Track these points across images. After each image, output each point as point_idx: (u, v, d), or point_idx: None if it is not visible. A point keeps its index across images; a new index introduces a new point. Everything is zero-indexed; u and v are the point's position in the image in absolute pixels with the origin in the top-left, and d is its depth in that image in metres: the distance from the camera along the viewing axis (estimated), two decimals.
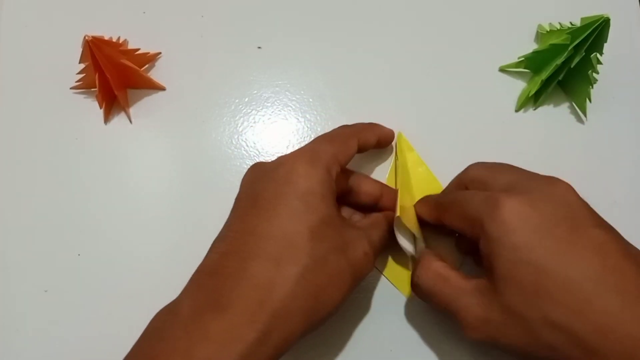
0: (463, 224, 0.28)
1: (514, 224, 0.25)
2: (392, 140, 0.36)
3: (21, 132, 0.38)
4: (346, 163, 0.30)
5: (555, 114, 0.38)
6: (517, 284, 0.25)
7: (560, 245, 0.24)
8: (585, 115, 0.38)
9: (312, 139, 0.37)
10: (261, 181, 0.28)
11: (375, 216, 0.32)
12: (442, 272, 0.28)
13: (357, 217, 0.34)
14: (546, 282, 0.24)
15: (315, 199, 0.26)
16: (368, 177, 0.35)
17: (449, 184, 0.33)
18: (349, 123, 0.38)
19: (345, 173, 0.33)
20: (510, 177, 0.28)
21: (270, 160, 0.30)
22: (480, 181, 0.30)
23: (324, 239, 0.26)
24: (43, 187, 0.36)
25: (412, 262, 0.33)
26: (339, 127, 0.33)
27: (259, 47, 0.39)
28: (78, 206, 0.36)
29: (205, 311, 0.24)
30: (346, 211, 0.34)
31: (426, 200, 0.33)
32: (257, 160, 0.37)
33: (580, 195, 0.27)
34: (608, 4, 0.39)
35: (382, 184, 0.35)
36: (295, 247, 0.25)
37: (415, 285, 0.30)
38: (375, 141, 0.33)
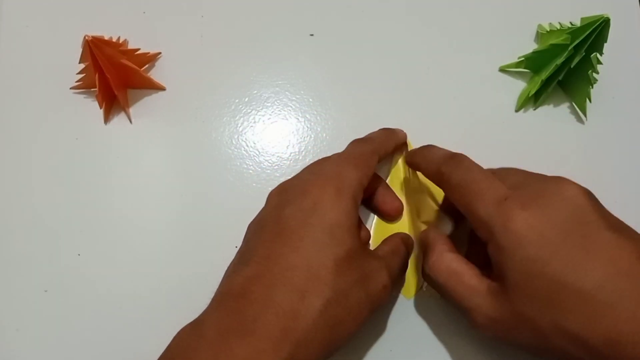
0: (467, 213, 0.28)
1: (527, 237, 0.25)
2: (405, 143, 0.35)
3: (21, 132, 0.37)
4: (368, 184, 0.30)
5: (555, 114, 0.38)
6: (530, 294, 0.25)
7: (573, 256, 0.24)
8: (585, 115, 0.38)
9: (312, 138, 0.38)
10: (289, 208, 0.27)
11: (395, 242, 0.31)
12: (455, 267, 0.28)
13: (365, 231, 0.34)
14: (559, 293, 0.24)
15: (341, 231, 0.27)
16: (389, 189, 0.35)
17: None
18: (349, 123, 0.38)
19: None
20: (518, 177, 0.28)
21: (296, 179, 0.30)
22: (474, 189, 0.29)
23: (347, 272, 0.26)
24: (43, 187, 0.36)
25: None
26: (359, 144, 0.32)
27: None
28: (78, 206, 0.36)
29: (231, 335, 0.24)
30: None
31: (428, 159, 0.31)
32: (257, 160, 0.37)
33: (589, 193, 0.26)
34: (608, 4, 0.39)
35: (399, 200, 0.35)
36: (320, 279, 0.25)
37: (426, 276, 0.30)
38: (392, 150, 0.34)
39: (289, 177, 0.30)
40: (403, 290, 0.34)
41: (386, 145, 0.33)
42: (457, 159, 0.30)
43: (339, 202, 0.27)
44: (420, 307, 0.34)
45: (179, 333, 0.26)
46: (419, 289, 0.34)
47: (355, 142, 0.32)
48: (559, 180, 0.27)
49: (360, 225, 0.33)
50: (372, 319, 0.33)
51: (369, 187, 0.33)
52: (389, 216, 0.35)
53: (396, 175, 0.36)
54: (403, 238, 0.32)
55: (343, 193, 0.27)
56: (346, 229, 0.27)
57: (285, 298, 0.25)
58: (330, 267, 0.26)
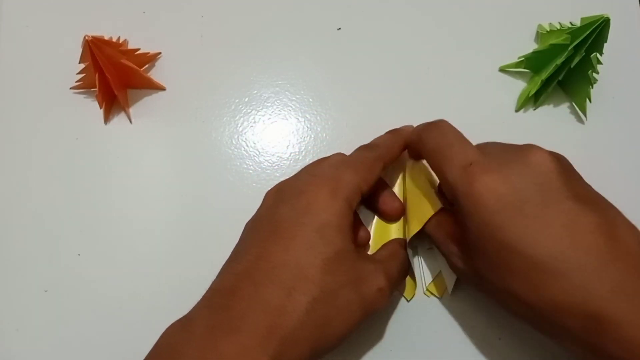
0: (438, 176, 0.29)
1: (484, 202, 0.25)
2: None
3: (21, 132, 0.38)
4: (369, 190, 0.30)
5: (555, 114, 0.38)
6: (485, 256, 0.26)
7: (528, 224, 0.25)
8: (585, 115, 0.38)
9: (312, 138, 0.37)
10: (283, 207, 0.28)
11: (393, 247, 0.32)
12: (440, 218, 0.30)
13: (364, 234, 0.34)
14: (511, 259, 0.25)
15: (331, 231, 0.27)
16: (390, 190, 0.35)
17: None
18: (349, 123, 0.38)
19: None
20: (495, 146, 0.29)
21: (293, 179, 0.30)
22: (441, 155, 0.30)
23: (337, 272, 0.26)
24: (43, 187, 0.36)
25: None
26: (363, 150, 0.32)
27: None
28: (78, 206, 0.36)
29: (218, 332, 0.24)
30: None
31: (414, 132, 0.33)
32: (257, 160, 0.37)
33: (561, 161, 0.27)
34: (608, 4, 0.39)
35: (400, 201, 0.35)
36: (307, 277, 0.25)
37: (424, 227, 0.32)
38: (399, 153, 0.33)
39: (289, 177, 0.30)
40: (403, 290, 0.34)
41: (392, 151, 0.33)
42: (435, 124, 0.30)
43: (333, 203, 0.27)
44: (421, 307, 0.34)
45: (167, 329, 0.26)
46: (416, 290, 0.34)
47: (360, 149, 0.33)
48: (528, 147, 0.27)
49: (359, 226, 0.33)
50: (372, 319, 0.33)
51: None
52: (389, 216, 0.35)
53: (396, 175, 0.36)
54: (401, 243, 0.32)
55: (337, 195, 0.28)
56: (337, 229, 0.27)
57: (273, 295, 0.25)
58: (318, 266, 0.26)
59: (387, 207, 0.34)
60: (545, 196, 0.25)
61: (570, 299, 0.23)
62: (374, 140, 0.34)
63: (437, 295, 0.34)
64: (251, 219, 0.30)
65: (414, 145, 0.32)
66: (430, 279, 0.34)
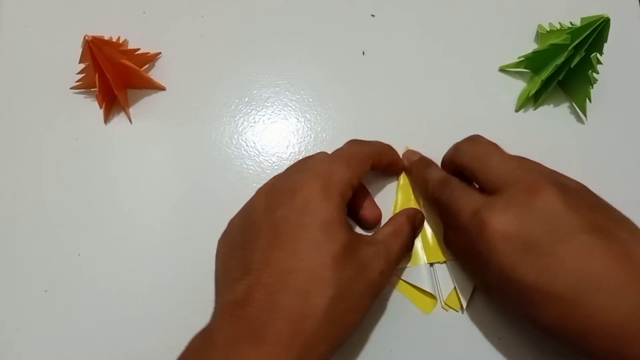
0: (454, 225, 0.31)
1: (498, 246, 0.27)
2: (399, 172, 0.36)
3: (21, 132, 0.37)
4: (359, 183, 0.30)
5: (555, 114, 0.38)
6: (505, 294, 0.28)
7: (541, 263, 0.26)
8: (585, 115, 0.38)
9: (312, 138, 0.37)
10: (280, 209, 0.28)
11: (398, 222, 0.31)
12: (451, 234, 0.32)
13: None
14: (530, 295, 0.26)
15: (334, 227, 0.27)
16: (371, 199, 0.35)
17: (445, 156, 0.34)
18: (349, 123, 0.38)
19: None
20: (496, 179, 0.29)
21: (283, 179, 0.30)
22: (471, 172, 0.31)
23: (346, 266, 0.27)
24: (43, 187, 0.36)
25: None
26: (355, 144, 0.32)
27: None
28: (78, 206, 0.36)
29: (242, 342, 0.25)
30: None
31: (424, 181, 0.34)
32: (257, 160, 0.37)
33: (568, 192, 0.27)
34: (608, 4, 0.39)
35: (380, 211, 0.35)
36: (321, 279, 0.26)
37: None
38: (386, 164, 0.34)
39: (278, 175, 0.30)
40: (421, 305, 0.33)
41: (383, 153, 0.33)
42: (444, 182, 0.32)
43: (329, 199, 0.27)
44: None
45: (189, 343, 0.26)
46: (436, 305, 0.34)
47: (352, 142, 0.33)
48: (532, 188, 0.27)
49: (368, 204, 0.34)
50: (372, 319, 0.33)
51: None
52: (370, 224, 0.34)
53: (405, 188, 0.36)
54: (409, 215, 0.32)
55: (331, 190, 0.28)
56: (338, 224, 0.27)
57: (290, 302, 0.25)
58: (329, 265, 0.26)
59: (367, 213, 0.34)
60: (554, 234, 0.26)
61: (592, 323, 0.25)
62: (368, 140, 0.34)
63: (455, 309, 0.33)
64: (243, 220, 0.30)
65: (428, 200, 0.34)
66: (447, 293, 0.33)
